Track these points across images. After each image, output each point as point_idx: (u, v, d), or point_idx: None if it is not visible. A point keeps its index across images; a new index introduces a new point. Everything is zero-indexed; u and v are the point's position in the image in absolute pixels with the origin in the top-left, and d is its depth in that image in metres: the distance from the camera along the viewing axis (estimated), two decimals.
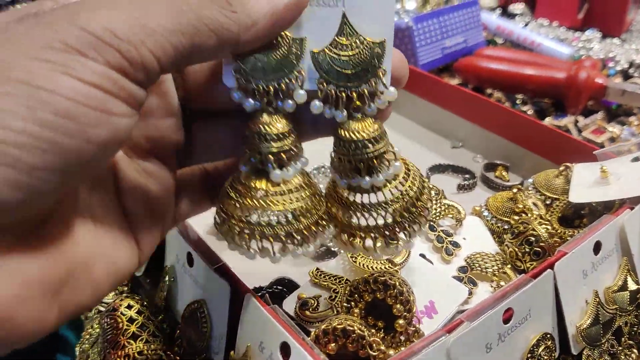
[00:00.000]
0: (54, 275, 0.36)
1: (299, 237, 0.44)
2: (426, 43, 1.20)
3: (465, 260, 0.65)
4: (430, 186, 0.48)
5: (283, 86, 0.43)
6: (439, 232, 0.67)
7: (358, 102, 0.43)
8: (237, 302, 0.53)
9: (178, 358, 0.59)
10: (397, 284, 0.53)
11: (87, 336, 0.69)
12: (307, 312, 0.59)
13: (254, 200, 0.43)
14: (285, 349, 0.48)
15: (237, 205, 0.43)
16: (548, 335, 0.55)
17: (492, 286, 0.63)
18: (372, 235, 0.47)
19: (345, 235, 0.47)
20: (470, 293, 0.60)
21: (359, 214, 0.46)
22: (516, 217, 0.69)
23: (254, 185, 0.43)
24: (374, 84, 0.43)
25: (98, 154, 0.33)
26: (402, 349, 0.52)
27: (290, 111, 0.44)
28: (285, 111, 0.43)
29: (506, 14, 1.59)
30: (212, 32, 0.37)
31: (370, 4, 0.43)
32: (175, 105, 0.45)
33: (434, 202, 0.71)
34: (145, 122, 0.44)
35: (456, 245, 0.66)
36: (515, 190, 0.72)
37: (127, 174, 0.44)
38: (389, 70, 0.43)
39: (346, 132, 0.43)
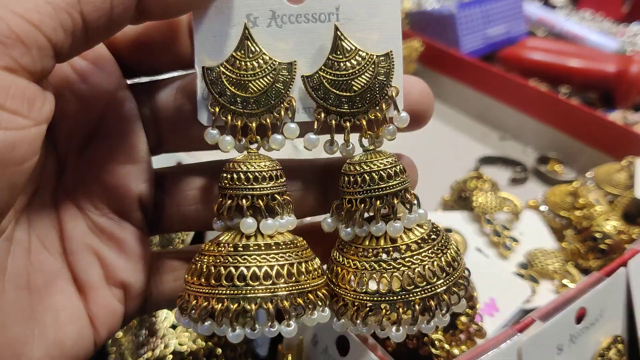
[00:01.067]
0: None
1: (288, 304, 0.33)
2: (468, 32, 1.16)
3: (525, 256, 0.61)
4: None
5: (269, 121, 0.36)
6: (495, 225, 0.64)
7: (369, 132, 0.36)
8: None
9: (219, 350, 0.56)
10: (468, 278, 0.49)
11: None
12: None
13: (224, 258, 0.33)
14: (341, 343, 0.45)
15: (197, 267, 0.34)
16: (619, 338, 0.51)
17: (554, 284, 0.59)
18: (399, 305, 0.34)
19: (353, 309, 0.35)
20: (533, 291, 0.56)
21: (375, 273, 0.34)
22: (578, 213, 0.65)
23: (225, 240, 0.34)
24: (384, 107, 0.36)
25: None
26: (464, 347, 0.49)
27: (277, 149, 0.36)
28: (272, 150, 0.36)
29: (547, 5, 1.55)
30: None
31: (369, 10, 0.35)
32: (140, 150, 0.37)
33: (488, 198, 0.67)
34: (100, 167, 0.36)
35: (514, 240, 0.63)
36: (576, 184, 0.68)
37: (76, 231, 0.36)
38: (402, 89, 0.36)
39: (354, 166, 0.35)
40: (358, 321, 0.34)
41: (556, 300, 0.47)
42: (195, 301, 0.33)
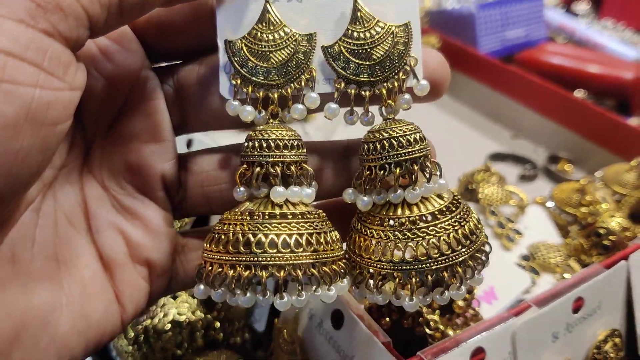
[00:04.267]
0: None
1: (301, 274, 0.33)
2: (487, 33, 1.16)
3: (528, 249, 0.61)
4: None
5: (289, 91, 0.36)
6: (500, 217, 0.64)
7: (389, 101, 0.36)
8: None
9: (217, 323, 0.56)
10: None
11: None
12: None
13: (245, 225, 0.33)
14: (336, 318, 0.45)
15: (224, 236, 0.34)
16: (616, 332, 0.51)
17: (555, 277, 0.59)
18: (413, 274, 0.34)
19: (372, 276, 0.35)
20: (533, 282, 0.56)
21: (389, 243, 0.34)
22: (584, 209, 0.65)
23: (245, 208, 0.35)
24: (402, 76, 0.36)
25: (10, 141, 0.26)
26: (458, 331, 0.49)
27: (299, 119, 0.37)
28: (293, 121, 0.37)
29: (569, 12, 1.54)
30: None
31: None
32: (164, 129, 0.37)
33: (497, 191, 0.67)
34: (124, 146, 0.36)
35: (518, 232, 0.63)
36: (584, 181, 0.68)
37: (101, 210, 0.36)
38: (420, 58, 0.36)
39: (374, 134, 0.35)
40: (374, 290, 0.35)
41: (554, 288, 0.47)
42: (210, 267, 0.33)
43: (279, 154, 0.35)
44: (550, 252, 0.60)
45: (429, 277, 0.34)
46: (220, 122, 0.39)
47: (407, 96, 0.36)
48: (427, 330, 0.46)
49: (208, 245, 0.34)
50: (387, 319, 0.47)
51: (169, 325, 0.53)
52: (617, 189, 0.68)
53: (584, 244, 0.61)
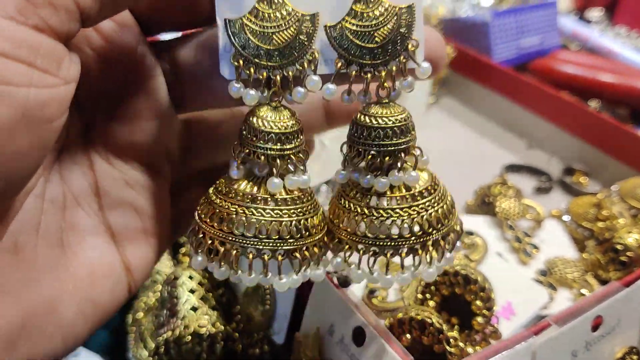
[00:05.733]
0: (2, 328, 0.29)
1: (296, 256, 0.35)
2: (501, 41, 1.16)
3: (545, 264, 0.62)
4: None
5: (291, 73, 0.35)
6: (517, 232, 0.64)
7: (386, 84, 0.36)
8: (306, 282, 0.50)
9: (237, 334, 0.57)
10: (480, 279, 0.50)
11: (142, 304, 0.68)
12: (375, 301, 0.56)
13: (240, 207, 0.34)
14: (357, 334, 0.45)
15: (218, 211, 0.35)
16: (634, 350, 0.51)
17: (572, 293, 0.59)
18: (392, 249, 0.35)
19: (350, 251, 0.36)
20: (551, 298, 0.57)
21: (373, 219, 0.35)
22: (600, 224, 0.65)
23: (241, 189, 0.35)
24: (402, 60, 0.35)
25: (7, 143, 0.26)
26: (478, 348, 0.49)
27: (300, 102, 0.36)
28: (295, 102, 0.36)
29: (582, 19, 1.54)
30: None
31: None
32: (164, 105, 0.37)
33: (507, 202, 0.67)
34: (128, 125, 0.36)
35: (535, 247, 0.63)
36: (600, 196, 0.68)
37: (111, 186, 0.36)
38: (422, 42, 0.36)
39: (366, 117, 0.35)
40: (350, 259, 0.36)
41: (573, 306, 0.47)
42: (210, 242, 0.34)
43: (280, 147, 0.34)
44: (567, 267, 0.60)
45: (403, 253, 0.35)
46: (220, 101, 0.38)
47: (409, 79, 0.36)
48: (447, 348, 0.47)
49: (204, 216, 0.35)
50: (408, 335, 0.48)
51: (189, 338, 0.54)
52: (633, 204, 0.68)
53: (601, 260, 0.61)
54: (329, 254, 0.38)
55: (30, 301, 0.30)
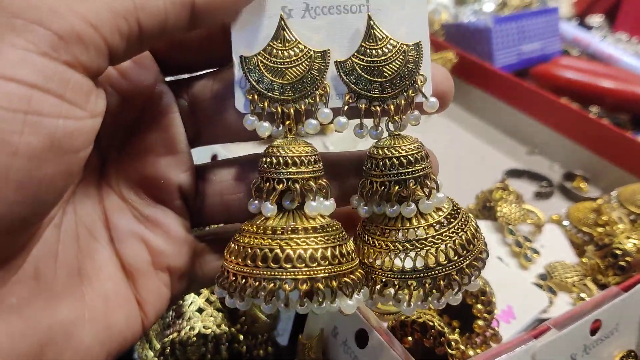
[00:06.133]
0: (22, 351, 0.30)
1: (322, 287, 0.34)
2: (503, 47, 1.17)
3: (545, 268, 0.62)
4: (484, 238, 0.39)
5: (304, 107, 0.37)
6: (518, 237, 0.65)
7: (396, 117, 0.37)
8: None
9: (241, 336, 0.57)
10: (481, 283, 0.51)
11: None
12: (378, 304, 0.57)
13: (264, 240, 0.34)
14: (360, 337, 0.46)
15: (237, 247, 0.35)
16: (632, 353, 0.52)
17: (571, 297, 0.60)
18: (411, 282, 0.36)
19: (375, 283, 0.37)
20: (550, 302, 0.57)
21: (390, 253, 0.36)
22: (600, 229, 0.66)
23: (263, 224, 0.36)
24: (411, 94, 0.37)
25: (36, 170, 0.27)
26: (479, 351, 0.50)
27: (313, 133, 0.38)
28: (308, 135, 0.38)
29: (583, 25, 1.55)
30: None
31: (398, 3, 0.37)
32: (180, 141, 0.38)
33: (512, 209, 0.68)
34: (139, 159, 0.38)
35: (535, 251, 0.64)
36: (600, 201, 0.69)
37: (122, 220, 0.37)
38: (429, 77, 0.37)
39: (379, 150, 0.37)
40: (375, 294, 0.37)
41: (572, 310, 0.48)
42: (233, 278, 0.34)
43: (296, 170, 0.36)
44: (567, 271, 0.61)
45: (427, 285, 0.35)
46: (234, 135, 0.39)
47: (416, 113, 0.38)
48: (449, 350, 0.48)
49: (229, 256, 0.35)
50: (410, 337, 0.49)
51: (194, 339, 0.55)
52: (633, 209, 0.69)
53: (600, 264, 0.62)
54: None
55: (48, 327, 0.31)
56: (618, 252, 0.61)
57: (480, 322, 0.50)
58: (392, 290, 0.36)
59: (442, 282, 0.35)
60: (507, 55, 1.17)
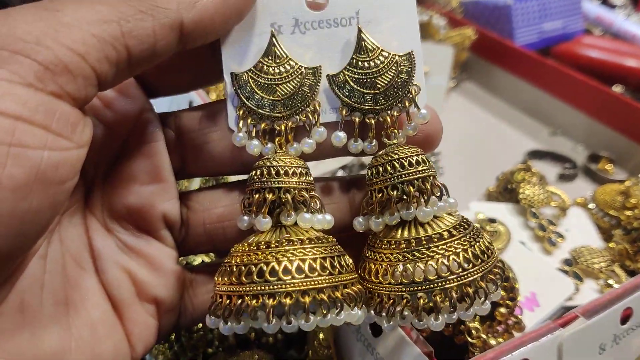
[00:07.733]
0: None
1: (326, 298, 0.32)
2: (523, 25, 1.13)
3: (570, 253, 0.59)
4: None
5: (291, 125, 0.37)
6: (541, 220, 0.62)
7: (392, 129, 0.36)
8: None
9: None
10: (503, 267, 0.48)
11: None
12: None
13: (258, 255, 0.32)
14: (376, 324, 0.44)
15: (227, 268, 0.33)
16: None
17: (598, 284, 0.57)
18: (436, 293, 0.33)
19: (384, 299, 0.34)
20: (576, 288, 0.54)
21: (400, 263, 0.33)
22: (628, 213, 0.63)
23: (255, 240, 0.34)
24: (407, 105, 0.36)
25: (20, 202, 0.26)
26: (500, 340, 0.47)
27: (309, 152, 0.37)
28: (302, 152, 0.37)
29: (606, 3, 1.51)
30: (144, 14, 0.30)
31: (388, 14, 0.37)
32: (164, 169, 0.38)
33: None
34: (123, 188, 0.37)
35: (560, 236, 0.61)
36: (628, 183, 0.66)
37: (105, 250, 0.36)
38: (424, 87, 0.37)
39: (379, 158, 0.36)
40: (395, 316, 0.34)
41: (601, 298, 0.45)
42: (228, 300, 0.32)
43: (287, 179, 0.35)
44: (594, 256, 0.58)
45: (454, 293, 0.33)
46: (219, 168, 0.39)
47: (414, 123, 0.37)
48: (469, 339, 0.45)
49: (219, 279, 0.34)
50: None
51: (201, 325, 0.53)
52: None
53: (629, 249, 0.59)
54: None
55: (34, 357, 0.31)
56: None
57: (502, 310, 0.48)
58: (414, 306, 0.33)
59: (469, 289, 0.33)
60: (527, 33, 1.14)
